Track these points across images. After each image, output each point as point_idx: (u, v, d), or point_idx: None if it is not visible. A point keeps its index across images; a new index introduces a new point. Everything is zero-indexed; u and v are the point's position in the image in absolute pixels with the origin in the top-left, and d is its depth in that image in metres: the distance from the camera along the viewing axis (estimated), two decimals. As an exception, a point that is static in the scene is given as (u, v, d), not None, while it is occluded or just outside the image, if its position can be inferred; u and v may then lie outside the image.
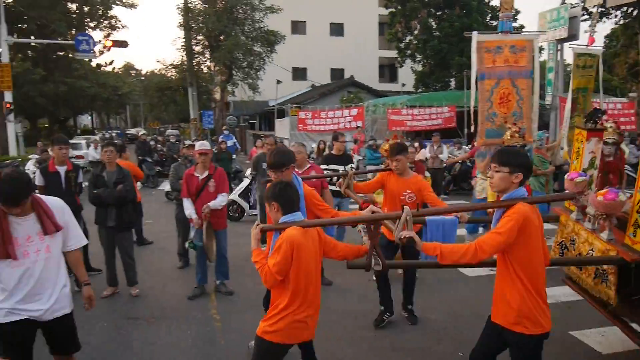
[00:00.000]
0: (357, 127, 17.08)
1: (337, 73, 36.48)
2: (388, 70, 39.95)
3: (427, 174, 8.46)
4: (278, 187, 2.94)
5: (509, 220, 2.62)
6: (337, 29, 37.02)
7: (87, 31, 23.98)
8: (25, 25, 24.13)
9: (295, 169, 5.72)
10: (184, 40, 23.02)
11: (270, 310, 2.93)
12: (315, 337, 3.13)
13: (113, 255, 5.70)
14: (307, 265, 2.85)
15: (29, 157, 16.48)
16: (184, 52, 23.43)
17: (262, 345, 2.90)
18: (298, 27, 35.28)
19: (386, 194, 4.84)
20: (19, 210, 2.80)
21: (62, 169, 5.51)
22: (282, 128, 20.75)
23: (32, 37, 23.85)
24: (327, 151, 11.56)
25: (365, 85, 28.91)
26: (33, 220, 2.89)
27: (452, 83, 27.09)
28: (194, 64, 23.60)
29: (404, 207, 2.83)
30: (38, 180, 5.42)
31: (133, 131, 42.29)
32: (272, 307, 2.92)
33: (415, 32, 26.35)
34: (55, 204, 3.04)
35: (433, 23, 26.73)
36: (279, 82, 22.70)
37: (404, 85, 28.72)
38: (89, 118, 58.04)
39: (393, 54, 30.66)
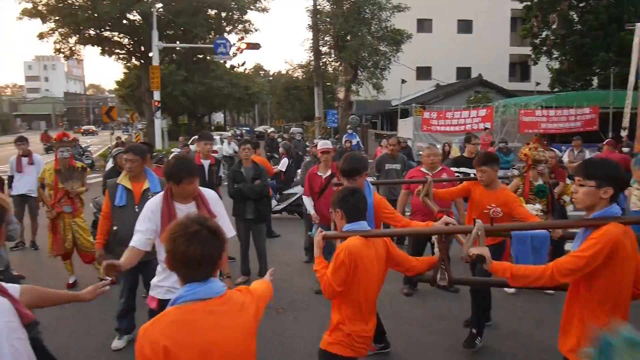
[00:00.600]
0: (485, 128, 16.26)
1: (463, 72, 35.09)
2: (519, 69, 37.52)
3: (568, 180, 7.77)
4: (343, 194, 2.81)
5: (595, 244, 2.27)
6: (465, 26, 35.60)
7: (223, 35, 25.74)
8: (172, 32, 26.55)
9: (426, 171, 5.62)
10: (312, 41, 23.73)
11: (332, 321, 2.84)
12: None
13: (248, 247, 6.03)
14: (367, 278, 2.70)
15: (172, 150, 18.14)
16: (312, 53, 24.14)
17: (324, 358, 2.84)
18: (424, 25, 34.56)
19: (470, 205, 4.57)
20: (189, 187, 3.11)
21: (206, 163, 5.97)
22: (405, 128, 20.48)
23: (178, 42, 26.17)
24: (452, 154, 11.19)
25: (494, 84, 27.43)
26: (193, 207, 3.16)
27: (595, 82, 24.63)
28: (321, 64, 24.22)
29: (476, 220, 2.60)
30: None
31: (260, 128, 44.63)
32: (332, 318, 2.84)
33: (553, 26, 24.31)
34: (210, 194, 3.30)
35: (574, 16, 24.49)
36: (403, 81, 22.40)
37: (537, 84, 26.69)
38: (222, 115, 62.53)
39: (526, 50, 28.69)
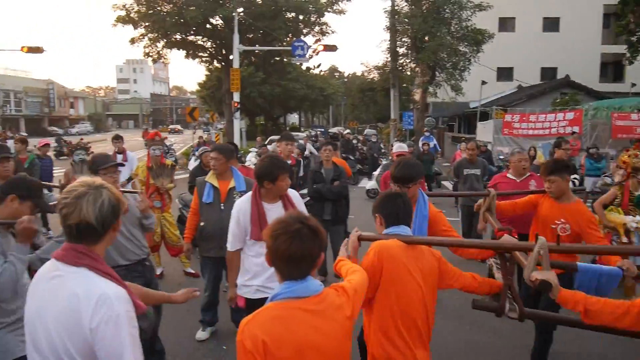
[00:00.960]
0: (573, 132, 15.30)
1: (548, 72, 33.30)
2: (612, 69, 35.01)
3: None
4: (382, 198, 2.57)
5: None
6: (551, 24, 33.74)
7: (301, 37, 26.19)
8: (252, 35, 27.39)
9: (512, 177, 5.35)
10: (389, 42, 23.52)
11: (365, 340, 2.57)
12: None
13: (326, 247, 6.07)
14: (402, 288, 2.35)
15: (250, 150, 18.67)
16: (389, 54, 23.93)
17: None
18: (507, 23, 33.16)
19: (536, 219, 3.95)
20: (284, 183, 3.21)
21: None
22: (484, 131, 19.76)
23: (257, 45, 26.94)
24: (537, 159, 10.61)
25: (583, 85, 25.77)
26: (280, 206, 3.23)
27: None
28: (398, 65, 23.95)
29: (538, 237, 2.23)
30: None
31: (334, 130, 44.92)
32: (365, 336, 2.56)
33: (653, 22, 22.49)
34: (294, 194, 3.36)
35: (678, 11, 22.46)
36: (484, 82, 21.62)
37: (633, 85, 24.78)
38: (297, 116, 63.61)
39: (620, 49, 26.70)
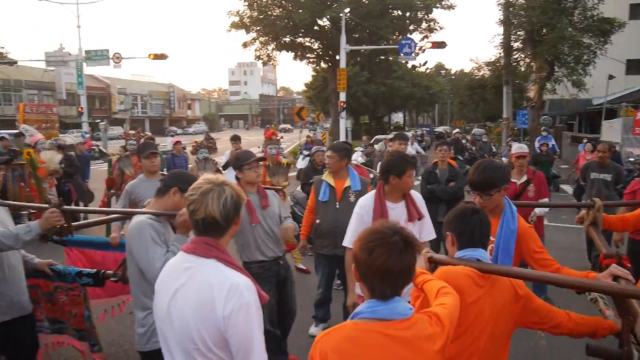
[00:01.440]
0: None
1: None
2: None
3: None
4: (455, 213, 2.14)
5: None
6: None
7: (407, 35, 25.84)
8: (358, 35, 27.56)
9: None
10: (502, 36, 22.34)
11: None
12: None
13: (439, 249, 5.89)
14: (468, 328, 1.94)
15: (355, 149, 18.75)
16: (502, 49, 22.73)
17: None
18: (639, 10, 29.86)
19: None
20: (410, 179, 3.13)
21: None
22: (610, 131, 18.00)
23: (363, 44, 27.04)
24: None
25: None
26: (402, 206, 3.17)
27: None
28: (511, 60, 22.66)
29: None
30: (379, 169, 6.02)
31: (440, 129, 43.67)
32: None
33: None
34: (417, 195, 3.28)
35: None
36: (611, 77, 19.68)
37: None
38: (401, 116, 62.88)
39: None
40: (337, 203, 4.46)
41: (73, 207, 4.25)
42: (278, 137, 6.59)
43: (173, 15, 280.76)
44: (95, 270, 3.51)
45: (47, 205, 2.94)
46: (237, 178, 3.80)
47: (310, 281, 6.34)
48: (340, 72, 22.36)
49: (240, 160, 3.70)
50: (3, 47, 67.78)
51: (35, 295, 3.38)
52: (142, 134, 10.52)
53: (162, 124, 65.35)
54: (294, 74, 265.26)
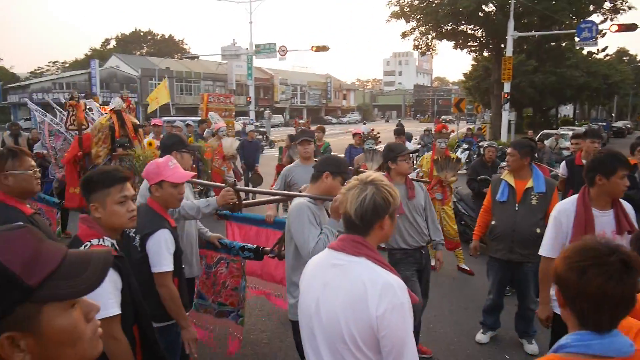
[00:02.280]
0: None
1: None
2: None
3: None
4: None
5: None
6: None
7: (586, 18, 23.06)
8: (526, 20, 25.42)
9: None
10: None
11: None
12: None
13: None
14: None
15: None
16: None
17: None
18: None
19: None
20: (624, 181, 2.78)
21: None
22: None
23: (533, 30, 24.87)
24: None
25: None
26: (610, 216, 2.79)
27: None
28: None
29: None
30: (562, 170, 5.44)
31: (619, 124, 38.72)
32: None
33: None
34: (626, 204, 2.85)
35: None
36: None
37: None
38: (570, 108, 56.92)
39: None
40: (517, 205, 4.12)
41: (244, 187, 4.73)
42: (448, 131, 6.31)
43: (333, 8, 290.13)
44: (256, 246, 3.82)
45: (224, 185, 3.36)
46: (388, 169, 3.99)
47: (473, 283, 6.04)
48: (505, 61, 20.95)
49: (394, 152, 3.92)
50: (186, 44, 76.79)
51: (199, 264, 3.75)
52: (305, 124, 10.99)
53: (319, 113, 68.19)
54: (450, 63, 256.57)
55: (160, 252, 2.61)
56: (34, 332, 0.85)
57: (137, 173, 4.40)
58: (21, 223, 0.97)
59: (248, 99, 30.87)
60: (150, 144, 4.67)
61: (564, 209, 2.92)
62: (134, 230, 2.68)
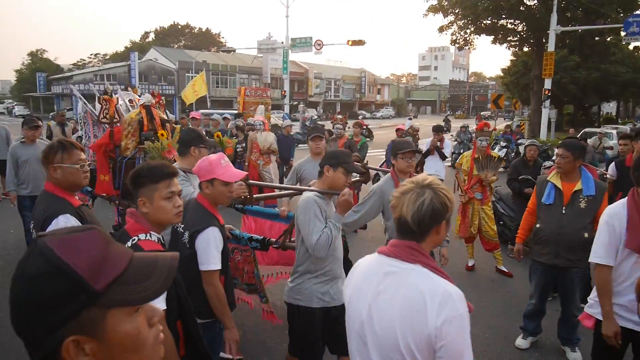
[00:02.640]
0: None
1: None
2: None
3: None
4: None
5: None
6: None
7: (635, 12, 22.08)
8: (570, 14, 24.56)
9: None
10: None
11: None
12: None
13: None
14: None
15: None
16: None
17: None
18: None
19: None
20: None
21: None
22: None
23: (577, 25, 24.02)
24: None
25: None
26: None
27: None
28: None
29: None
30: (611, 172, 5.24)
31: (666, 122, 37.05)
32: None
33: None
34: None
35: None
36: None
37: None
38: (613, 105, 54.88)
39: None
40: (564, 208, 3.97)
41: (255, 181, 5.26)
42: (490, 129, 6.14)
43: (369, 2, 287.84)
44: (262, 237, 4.05)
45: None
46: (391, 164, 4.11)
47: (512, 285, 5.89)
48: (547, 57, 20.34)
49: (396, 149, 4.02)
50: (223, 37, 77.64)
51: None
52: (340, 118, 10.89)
53: (352, 107, 67.89)
54: (488, 58, 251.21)
55: (209, 250, 2.62)
56: (99, 337, 0.84)
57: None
58: (90, 225, 0.96)
59: (283, 92, 30.99)
60: (162, 135, 4.76)
61: (614, 212, 2.79)
62: (182, 225, 2.71)
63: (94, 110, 5.86)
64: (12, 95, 66.83)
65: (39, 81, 51.11)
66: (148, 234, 2.06)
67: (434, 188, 1.65)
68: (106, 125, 5.47)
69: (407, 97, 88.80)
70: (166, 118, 5.29)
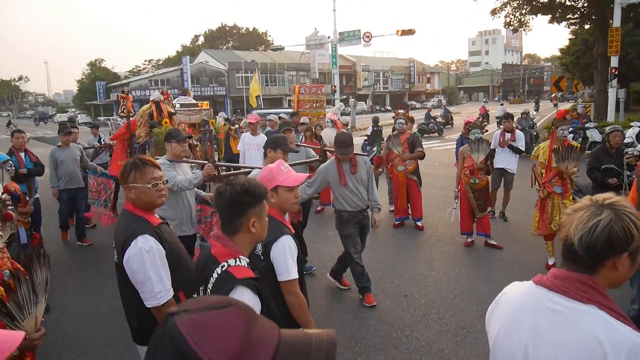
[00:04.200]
0: None
1: None
2: None
3: None
4: None
5: None
6: None
7: None
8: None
9: None
10: None
11: None
12: None
13: None
14: None
15: (631, 124, 15.81)
16: None
17: None
18: None
19: None
20: None
21: None
22: None
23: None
24: None
25: None
26: None
27: None
28: None
29: None
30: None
31: None
32: None
33: None
34: None
35: None
36: None
37: None
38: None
39: None
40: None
41: (220, 163, 6.80)
42: (568, 117, 5.69)
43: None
44: None
45: (206, 162, 4.69)
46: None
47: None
48: (612, 32, 19.11)
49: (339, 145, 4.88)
50: (269, 35, 78.32)
51: (200, 216, 4.73)
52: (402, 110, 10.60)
53: (402, 98, 66.87)
54: (543, 38, 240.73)
55: (286, 259, 2.58)
56: None
57: (157, 145, 5.72)
58: (231, 298, 0.81)
59: (333, 87, 30.80)
60: (166, 122, 5.83)
61: None
62: None
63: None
64: (74, 105, 70.35)
65: (99, 89, 53.47)
66: (237, 259, 1.96)
67: (617, 209, 1.32)
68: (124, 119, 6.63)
69: (457, 84, 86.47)
70: (172, 111, 6.32)
